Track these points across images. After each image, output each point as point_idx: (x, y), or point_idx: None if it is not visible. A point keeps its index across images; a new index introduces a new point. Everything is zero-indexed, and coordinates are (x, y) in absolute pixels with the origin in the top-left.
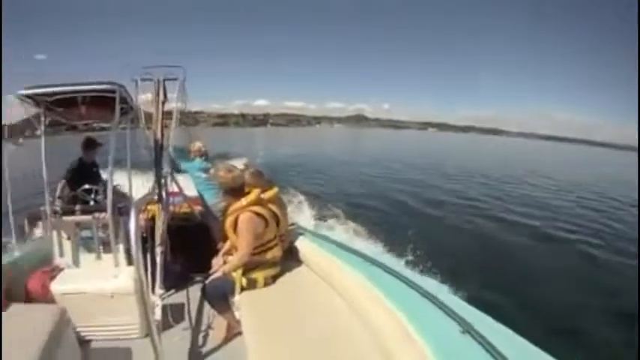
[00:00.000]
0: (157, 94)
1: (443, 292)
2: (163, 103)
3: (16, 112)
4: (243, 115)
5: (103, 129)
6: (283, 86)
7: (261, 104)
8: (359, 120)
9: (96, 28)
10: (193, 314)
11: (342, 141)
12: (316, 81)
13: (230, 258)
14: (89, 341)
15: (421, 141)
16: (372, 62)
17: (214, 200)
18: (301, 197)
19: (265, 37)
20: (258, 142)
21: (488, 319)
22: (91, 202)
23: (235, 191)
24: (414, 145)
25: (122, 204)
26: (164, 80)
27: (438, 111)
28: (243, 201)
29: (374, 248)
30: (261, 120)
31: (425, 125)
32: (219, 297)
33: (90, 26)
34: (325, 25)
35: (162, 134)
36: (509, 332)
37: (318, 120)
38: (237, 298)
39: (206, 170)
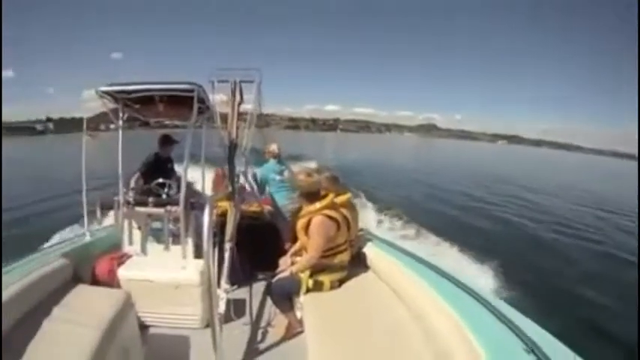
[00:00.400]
0: (233, 96)
1: (509, 306)
2: (239, 104)
3: (93, 105)
4: (313, 120)
5: (175, 126)
6: (354, 92)
7: (331, 109)
8: (429, 129)
9: (168, 26)
10: (255, 310)
11: (413, 149)
12: (387, 88)
13: (299, 259)
14: (149, 327)
15: (496, 153)
16: (445, 71)
17: (285, 202)
18: (368, 203)
19: (339, 42)
20: (328, 147)
21: (554, 340)
22: (164, 196)
23: (311, 195)
24: (495, 158)
25: (194, 199)
26: (240, 82)
27: (509, 123)
28: (317, 204)
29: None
30: (331, 125)
31: (495, 137)
32: (284, 296)
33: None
34: (398, 34)
35: (237, 134)
36: (572, 354)
37: (387, 127)
38: (302, 299)
39: (280, 172)
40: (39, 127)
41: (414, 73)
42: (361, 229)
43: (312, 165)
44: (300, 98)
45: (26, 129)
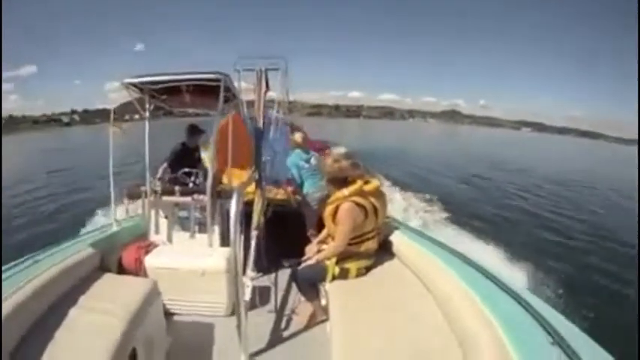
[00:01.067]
0: (259, 84)
1: (536, 297)
2: (265, 92)
3: (116, 96)
4: (336, 107)
5: (197, 115)
6: (378, 79)
7: (355, 96)
8: (453, 115)
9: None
10: (280, 298)
11: (436, 137)
12: (412, 75)
13: (325, 246)
14: (175, 314)
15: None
16: (469, 57)
17: (314, 189)
18: (393, 187)
19: (363, 28)
20: (350, 133)
21: (581, 334)
22: (190, 185)
23: (339, 181)
24: (520, 148)
25: (220, 188)
26: (266, 70)
27: (534, 110)
28: (345, 191)
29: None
30: (354, 112)
31: (518, 124)
32: (309, 283)
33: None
34: (423, 17)
35: (264, 122)
36: (599, 349)
37: (411, 114)
38: (327, 287)
39: (306, 160)
40: (65, 119)
41: (437, 59)
42: (388, 217)
43: (342, 150)
44: (324, 84)
45: (53, 121)
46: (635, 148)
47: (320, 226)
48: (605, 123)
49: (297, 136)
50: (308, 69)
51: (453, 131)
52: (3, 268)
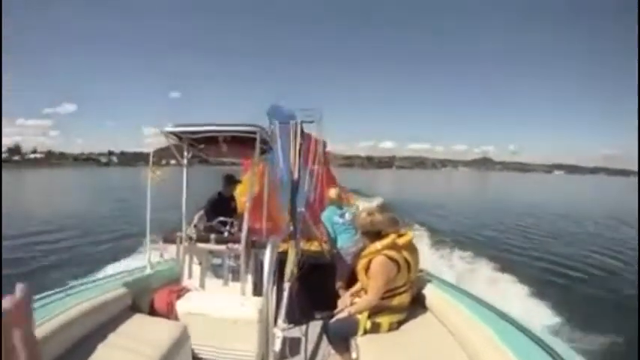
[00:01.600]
0: (295, 136)
1: (570, 349)
2: (301, 144)
3: (152, 141)
4: (368, 158)
5: (233, 164)
6: (410, 128)
7: (387, 146)
8: (484, 162)
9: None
10: (310, 350)
11: (468, 184)
12: (443, 123)
13: (357, 299)
14: (203, 359)
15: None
16: (498, 104)
17: (348, 243)
18: (423, 232)
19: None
20: (383, 185)
21: None
22: (225, 234)
23: (372, 234)
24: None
25: (255, 238)
26: (301, 122)
27: (565, 152)
28: (378, 245)
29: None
30: (386, 162)
31: (550, 167)
32: (340, 336)
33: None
34: (452, 65)
35: (299, 174)
36: None
37: (442, 162)
38: (359, 340)
39: (341, 215)
40: (103, 159)
41: (469, 107)
42: (421, 270)
43: (378, 201)
44: (356, 135)
45: (92, 160)
46: None
47: (352, 279)
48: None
49: (332, 192)
50: (337, 119)
51: (485, 178)
52: (37, 297)
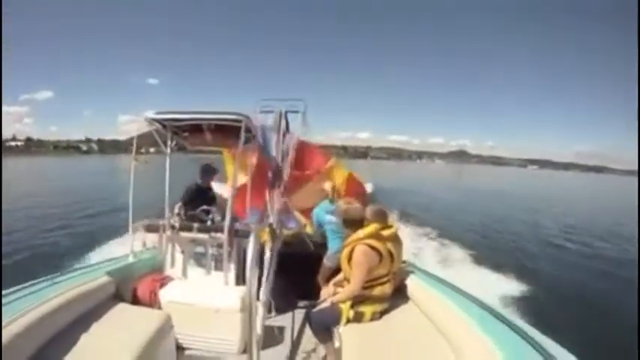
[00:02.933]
0: (279, 125)
1: (549, 339)
2: (284, 134)
3: (128, 128)
4: (344, 148)
5: (211, 152)
6: (388, 119)
7: (364, 137)
8: (460, 155)
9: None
10: (293, 339)
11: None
12: (421, 115)
13: (340, 289)
14: (186, 349)
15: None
16: (476, 99)
17: (338, 248)
18: (401, 224)
19: (372, 71)
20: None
21: None
22: (208, 223)
23: (354, 223)
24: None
25: (238, 226)
26: (286, 112)
27: (540, 147)
28: (360, 233)
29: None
30: (362, 152)
31: (525, 162)
32: (323, 326)
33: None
34: (433, 58)
35: (282, 163)
36: None
37: (419, 154)
38: (341, 330)
39: (332, 212)
40: (83, 147)
41: (446, 100)
42: (404, 261)
43: (369, 187)
44: (334, 126)
45: (73, 148)
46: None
47: (336, 269)
48: (611, 157)
49: (327, 185)
50: (316, 110)
51: (460, 170)
52: (23, 285)
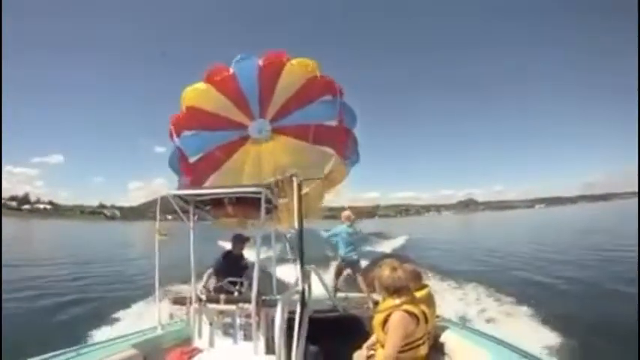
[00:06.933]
0: (299, 192)
1: None
2: (300, 201)
3: (138, 195)
4: (350, 207)
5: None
6: (394, 176)
7: (371, 196)
8: (467, 204)
9: None
10: None
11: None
12: (428, 169)
13: (372, 352)
14: None
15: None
16: (483, 146)
17: (350, 253)
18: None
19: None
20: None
21: None
22: (236, 293)
23: (393, 290)
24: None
25: (266, 297)
26: (299, 181)
27: (546, 184)
28: (397, 299)
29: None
30: (369, 212)
31: (532, 202)
32: None
33: None
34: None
35: (302, 230)
36: None
37: (426, 208)
38: None
39: (350, 234)
40: (107, 212)
41: (452, 154)
42: (437, 316)
43: (403, 239)
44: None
45: (97, 213)
46: None
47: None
48: (619, 182)
49: (346, 213)
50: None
51: (466, 221)
52: (46, 356)
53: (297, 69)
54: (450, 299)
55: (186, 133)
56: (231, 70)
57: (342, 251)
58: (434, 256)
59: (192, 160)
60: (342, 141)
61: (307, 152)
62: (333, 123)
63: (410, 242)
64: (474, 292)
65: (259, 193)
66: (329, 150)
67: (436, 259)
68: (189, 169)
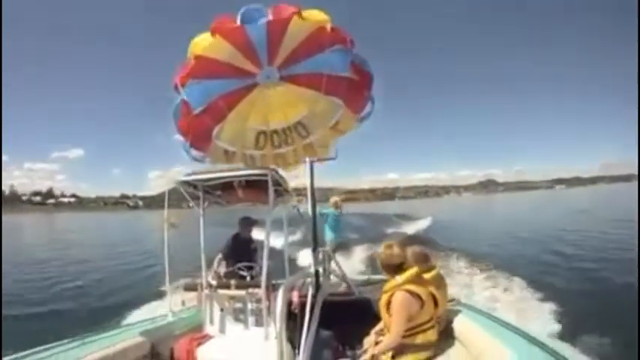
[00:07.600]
0: (311, 175)
1: None
2: (312, 184)
3: (157, 184)
4: (372, 190)
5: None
6: (414, 158)
7: (391, 177)
8: (487, 185)
9: None
10: None
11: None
12: (447, 149)
13: (381, 338)
14: None
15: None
16: (504, 125)
17: (333, 236)
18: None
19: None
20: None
21: None
22: (247, 278)
23: (393, 268)
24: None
25: (278, 281)
26: (312, 162)
27: (567, 165)
28: (399, 278)
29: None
30: (389, 194)
31: (552, 183)
32: None
33: None
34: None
35: (315, 214)
36: None
37: (446, 189)
38: None
39: (337, 220)
40: (130, 202)
41: (472, 132)
42: (452, 299)
43: (428, 221)
44: (360, 169)
45: (119, 204)
46: None
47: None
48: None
49: (334, 199)
50: (342, 155)
51: (487, 201)
52: (54, 344)
53: (307, 16)
54: (479, 285)
55: (192, 81)
56: (239, 21)
57: (329, 236)
58: (462, 239)
59: (196, 111)
60: (353, 94)
61: (315, 101)
62: (344, 74)
63: (435, 224)
64: (504, 279)
65: (265, 175)
66: (337, 101)
67: (464, 242)
68: (192, 123)
